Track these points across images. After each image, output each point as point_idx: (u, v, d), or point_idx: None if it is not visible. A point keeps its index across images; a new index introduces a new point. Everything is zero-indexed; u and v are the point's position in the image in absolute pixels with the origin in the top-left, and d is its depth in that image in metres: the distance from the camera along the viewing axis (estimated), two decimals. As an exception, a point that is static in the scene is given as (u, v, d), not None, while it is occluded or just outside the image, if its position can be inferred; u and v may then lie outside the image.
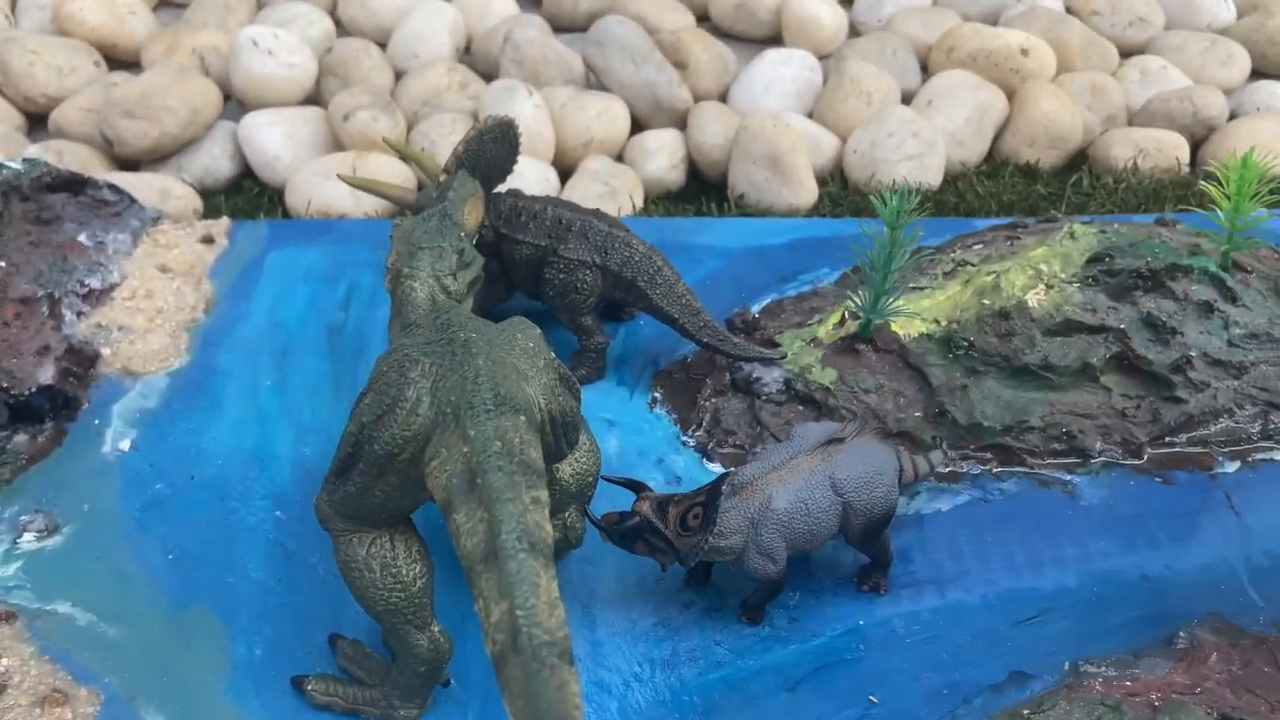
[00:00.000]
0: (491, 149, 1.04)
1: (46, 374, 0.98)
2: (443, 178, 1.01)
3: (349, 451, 0.70)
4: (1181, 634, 0.82)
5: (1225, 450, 0.98)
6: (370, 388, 0.70)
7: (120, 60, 1.54)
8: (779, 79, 1.48)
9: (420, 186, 1.34)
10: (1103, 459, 0.97)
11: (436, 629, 0.74)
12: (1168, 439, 0.98)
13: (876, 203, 0.97)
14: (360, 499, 0.70)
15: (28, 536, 0.89)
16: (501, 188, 1.11)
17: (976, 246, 1.16)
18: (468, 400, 0.66)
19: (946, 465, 0.94)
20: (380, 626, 0.74)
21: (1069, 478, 0.95)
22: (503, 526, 0.60)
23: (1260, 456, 0.98)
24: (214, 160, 1.37)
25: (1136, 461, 0.97)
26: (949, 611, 0.84)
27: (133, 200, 1.20)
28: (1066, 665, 0.80)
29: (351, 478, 0.70)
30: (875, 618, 0.84)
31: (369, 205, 1.30)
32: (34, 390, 0.97)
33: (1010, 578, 0.87)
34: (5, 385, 0.95)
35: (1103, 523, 0.91)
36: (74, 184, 1.17)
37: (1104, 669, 0.79)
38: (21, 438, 0.97)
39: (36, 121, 1.47)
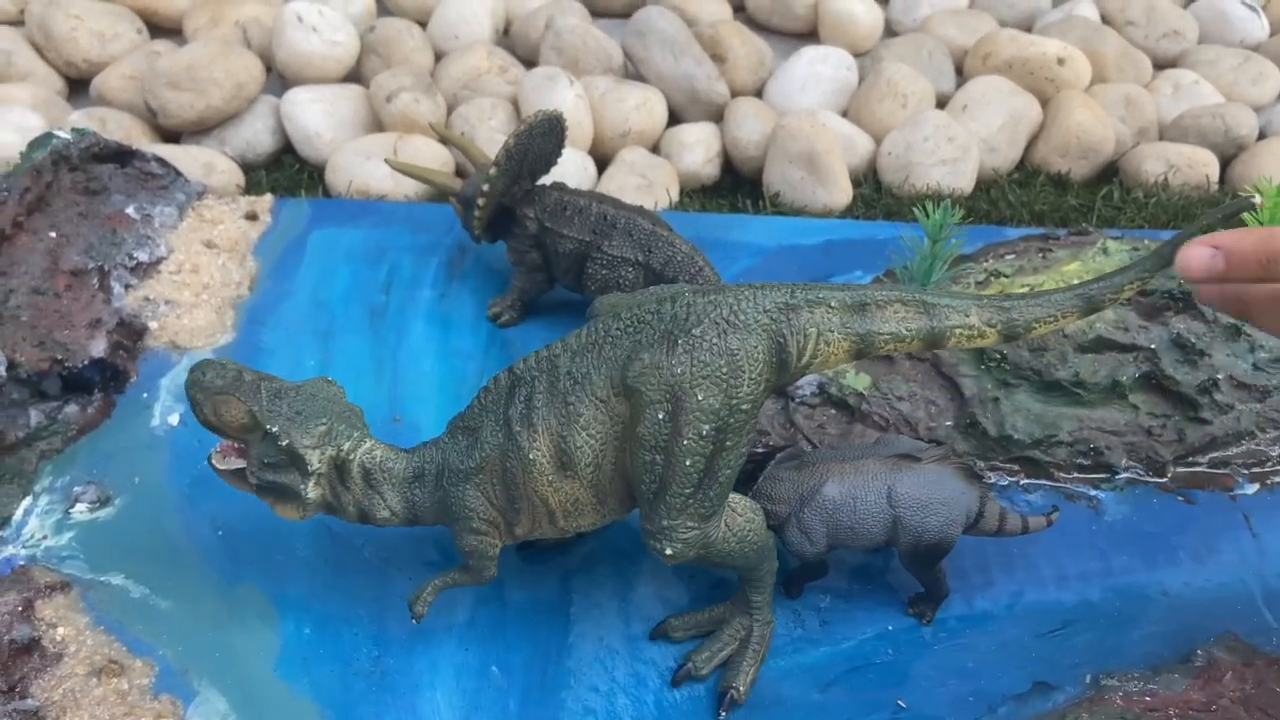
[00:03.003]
0: (539, 142, 1.05)
1: (99, 347, 1.00)
2: (492, 171, 1.03)
3: (709, 451, 0.70)
4: (1199, 651, 0.85)
5: (1246, 472, 1.01)
6: (690, 390, 0.69)
7: (161, 28, 1.55)
8: (815, 77, 1.49)
9: (459, 173, 1.36)
10: (1127, 476, 0.99)
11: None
12: (1191, 459, 1.01)
13: (919, 214, 0.99)
14: (725, 490, 0.72)
15: (80, 507, 0.91)
16: (545, 179, 1.13)
17: (1009, 256, 1.17)
18: (767, 298, 0.71)
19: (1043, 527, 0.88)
20: (749, 572, 0.79)
21: (1094, 493, 0.98)
22: (919, 296, 0.73)
23: (1279, 480, 1.00)
24: (255, 135, 1.38)
25: (1160, 480, 0.99)
26: (976, 621, 0.87)
27: (179, 173, 1.22)
28: (1088, 678, 0.83)
29: (718, 477, 0.71)
30: (904, 623, 0.86)
31: (409, 187, 1.31)
32: (87, 363, 0.98)
33: (1035, 590, 0.89)
34: (60, 357, 0.97)
35: (1126, 539, 0.94)
36: (121, 155, 1.19)
37: (1124, 683, 0.82)
38: (72, 408, 0.99)
39: (77, 87, 1.48)
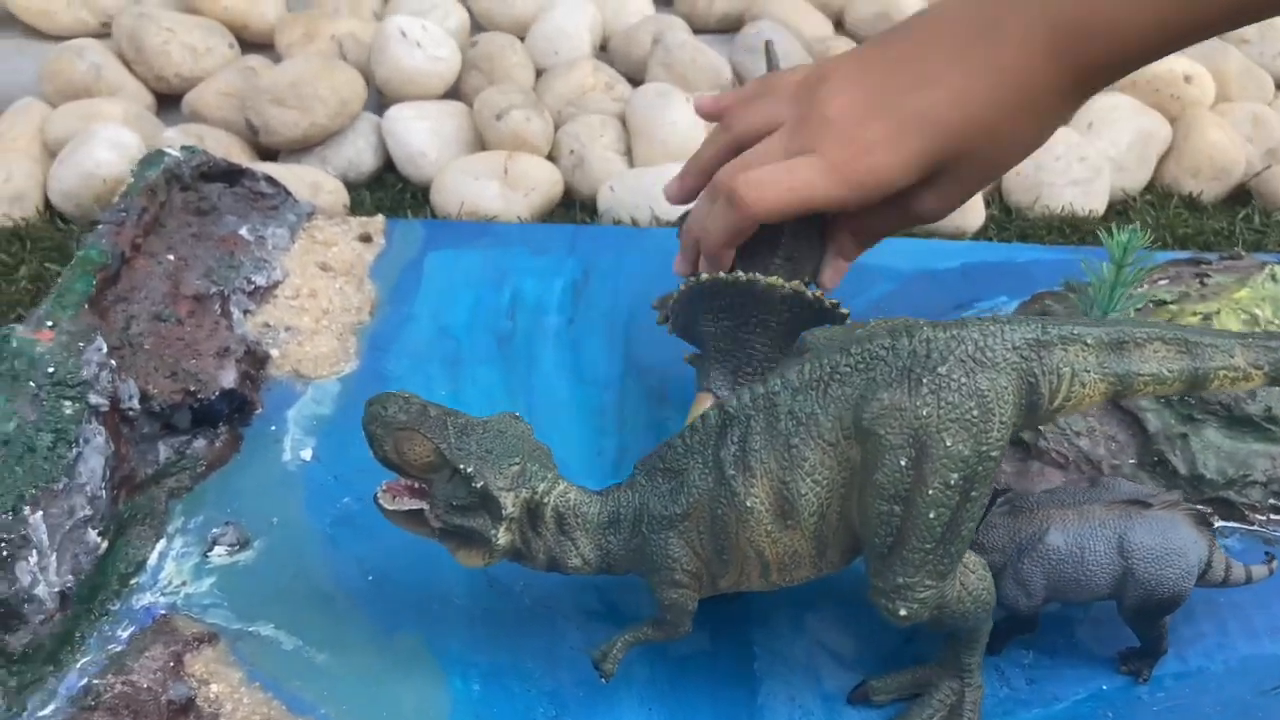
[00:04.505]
0: None
1: (229, 377, 0.94)
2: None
3: (955, 503, 0.64)
4: None
5: None
6: (937, 435, 0.62)
7: (252, 42, 1.50)
8: (929, 94, 1.44)
9: (567, 193, 1.30)
10: (1327, 518, 0.93)
11: None
12: (1390, 499, 0.94)
13: (1104, 236, 0.93)
14: (965, 545, 0.66)
15: (218, 550, 0.85)
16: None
17: (1162, 282, 1.11)
18: (1015, 334, 0.65)
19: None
20: (967, 633, 0.72)
21: (1294, 537, 0.91)
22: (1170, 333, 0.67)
23: None
24: (358, 153, 1.33)
25: (1361, 522, 0.93)
26: (1192, 678, 0.80)
27: (288, 193, 1.16)
28: (1325, 742, 0.76)
29: (960, 531, 0.65)
30: (1117, 682, 0.80)
31: (520, 208, 1.26)
32: (217, 394, 0.92)
33: (1248, 642, 0.83)
34: (192, 389, 0.91)
35: (1335, 587, 0.87)
36: (230, 174, 1.13)
37: (1365, 748, 0.75)
38: (200, 443, 0.93)
39: (166, 101, 1.42)
